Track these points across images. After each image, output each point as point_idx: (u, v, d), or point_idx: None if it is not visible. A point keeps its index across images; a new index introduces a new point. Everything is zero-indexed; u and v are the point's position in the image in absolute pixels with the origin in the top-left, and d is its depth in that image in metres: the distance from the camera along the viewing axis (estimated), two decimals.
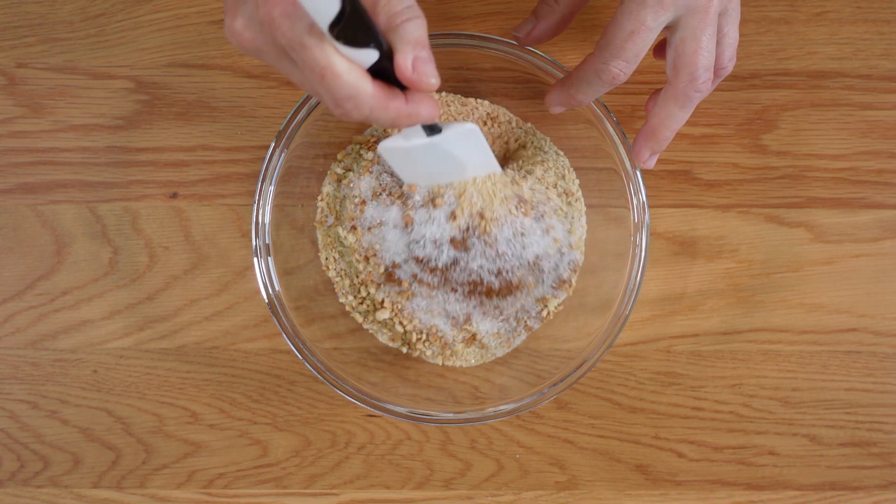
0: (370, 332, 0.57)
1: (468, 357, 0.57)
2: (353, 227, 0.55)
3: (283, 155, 0.54)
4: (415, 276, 0.53)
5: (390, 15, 0.38)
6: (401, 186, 0.53)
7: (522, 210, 0.52)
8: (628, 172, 0.54)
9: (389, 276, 0.54)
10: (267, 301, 0.53)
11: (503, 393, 0.55)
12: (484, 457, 0.57)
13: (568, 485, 0.57)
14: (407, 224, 0.52)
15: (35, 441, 0.57)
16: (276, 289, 0.54)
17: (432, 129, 0.46)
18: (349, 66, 0.37)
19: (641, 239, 0.53)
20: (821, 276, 0.58)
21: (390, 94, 0.39)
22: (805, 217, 0.58)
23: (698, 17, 0.44)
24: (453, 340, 0.55)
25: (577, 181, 0.58)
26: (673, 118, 0.48)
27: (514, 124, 0.58)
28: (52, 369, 0.58)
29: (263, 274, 0.53)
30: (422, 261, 0.52)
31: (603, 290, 0.55)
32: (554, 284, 0.55)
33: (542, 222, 0.53)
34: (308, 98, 0.53)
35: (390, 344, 0.57)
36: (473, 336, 0.55)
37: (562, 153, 0.58)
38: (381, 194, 0.53)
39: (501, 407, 0.53)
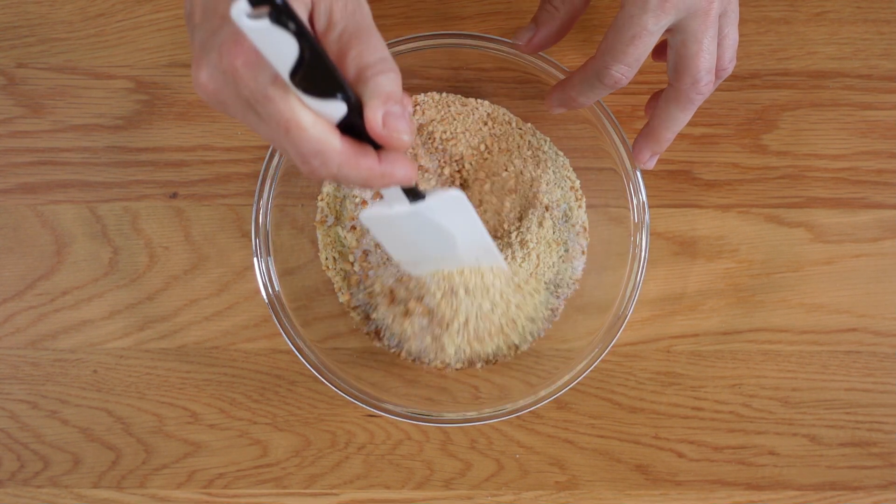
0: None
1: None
2: (353, 227, 0.55)
3: (283, 155, 0.54)
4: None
5: (360, 67, 0.36)
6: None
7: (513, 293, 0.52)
8: (628, 172, 0.54)
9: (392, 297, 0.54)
10: (267, 301, 0.53)
11: (503, 393, 0.55)
12: (484, 457, 0.57)
13: (568, 485, 0.57)
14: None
15: (35, 441, 0.57)
16: (276, 289, 0.54)
17: (415, 196, 0.42)
18: (315, 119, 0.35)
19: (641, 239, 0.53)
20: (821, 276, 0.58)
21: (361, 152, 0.36)
22: (805, 217, 0.58)
23: (699, 20, 0.44)
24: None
25: (577, 181, 0.58)
26: (674, 120, 0.48)
27: (514, 124, 0.58)
28: (52, 369, 0.58)
29: (263, 274, 0.53)
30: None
31: (603, 290, 0.55)
32: (531, 335, 0.55)
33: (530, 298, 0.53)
34: None
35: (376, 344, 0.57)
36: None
37: (562, 153, 0.58)
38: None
39: (501, 407, 0.53)
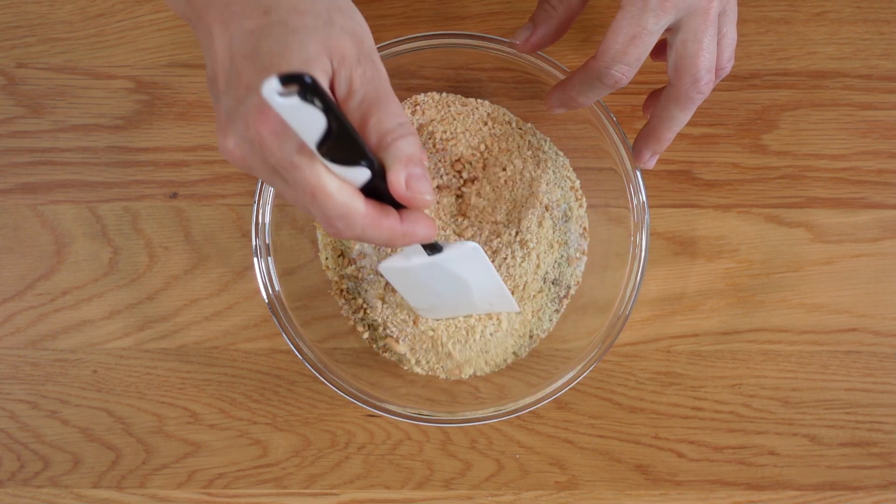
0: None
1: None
2: None
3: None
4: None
5: (381, 133, 0.37)
6: None
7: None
8: (628, 172, 0.54)
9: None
10: (267, 301, 0.53)
11: (503, 393, 0.55)
12: (484, 457, 0.57)
13: (568, 485, 0.57)
14: None
15: (35, 441, 0.57)
16: (276, 289, 0.54)
17: (433, 248, 0.45)
18: (340, 185, 0.36)
19: (641, 239, 0.53)
20: (821, 276, 0.58)
21: (383, 213, 0.38)
22: (805, 217, 0.58)
23: (699, 19, 0.44)
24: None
25: (577, 181, 0.58)
26: (674, 119, 0.48)
27: (514, 124, 0.58)
28: (52, 369, 0.58)
29: (263, 274, 0.53)
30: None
31: (603, 290, 0.55)
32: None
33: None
34: None
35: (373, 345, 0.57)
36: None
37: (562, 153, 0.58)
38: None
39: (501, 407, 0.53)
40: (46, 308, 0.58)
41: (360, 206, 0.37)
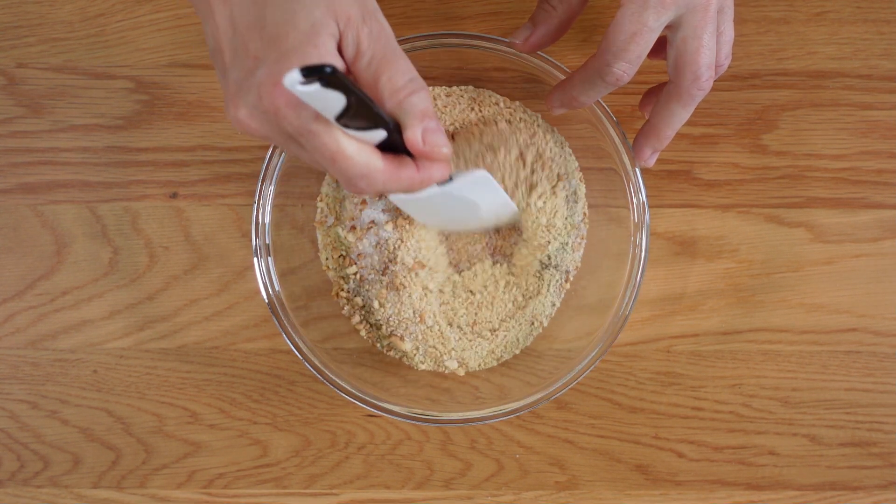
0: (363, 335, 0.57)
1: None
2: (353, 227, 0.55)
3: (283, 155, 0.54)
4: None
5: (393, 91, 0.38)
6: None
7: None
8: (628, 172, 0.54)
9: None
10: (267, 301, 0.53)
11: (503, 393, 0.55)
12: (484, 457, 0.57)
13: (568, 485, 0.57)
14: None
15: (35, 441, 0.57)
16: (276, 289, 0.54)
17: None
18: (359, 147, 0.38)
19: (641, 239, 0.53)
20: (821, 276, 0.58)
21: (401, 165, 0.40)
22: (805, 217, 0.58)
23: (699, 16, 0.44)
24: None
25: (577, 162, 0.57)
26: (675, 117, 0.48)
27: (520, 111, 0.57)
28: (52, 369, 0.58)
29: (263, 274, 0.53)
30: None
31: (603, 290, 0.55)
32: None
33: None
34: None
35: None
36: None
37: (567, 144, 0.58)
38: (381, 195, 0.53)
39: (501, 407, 0.53)
40: (46, 308, 0.58)
41: (378, 164, 0.38)
